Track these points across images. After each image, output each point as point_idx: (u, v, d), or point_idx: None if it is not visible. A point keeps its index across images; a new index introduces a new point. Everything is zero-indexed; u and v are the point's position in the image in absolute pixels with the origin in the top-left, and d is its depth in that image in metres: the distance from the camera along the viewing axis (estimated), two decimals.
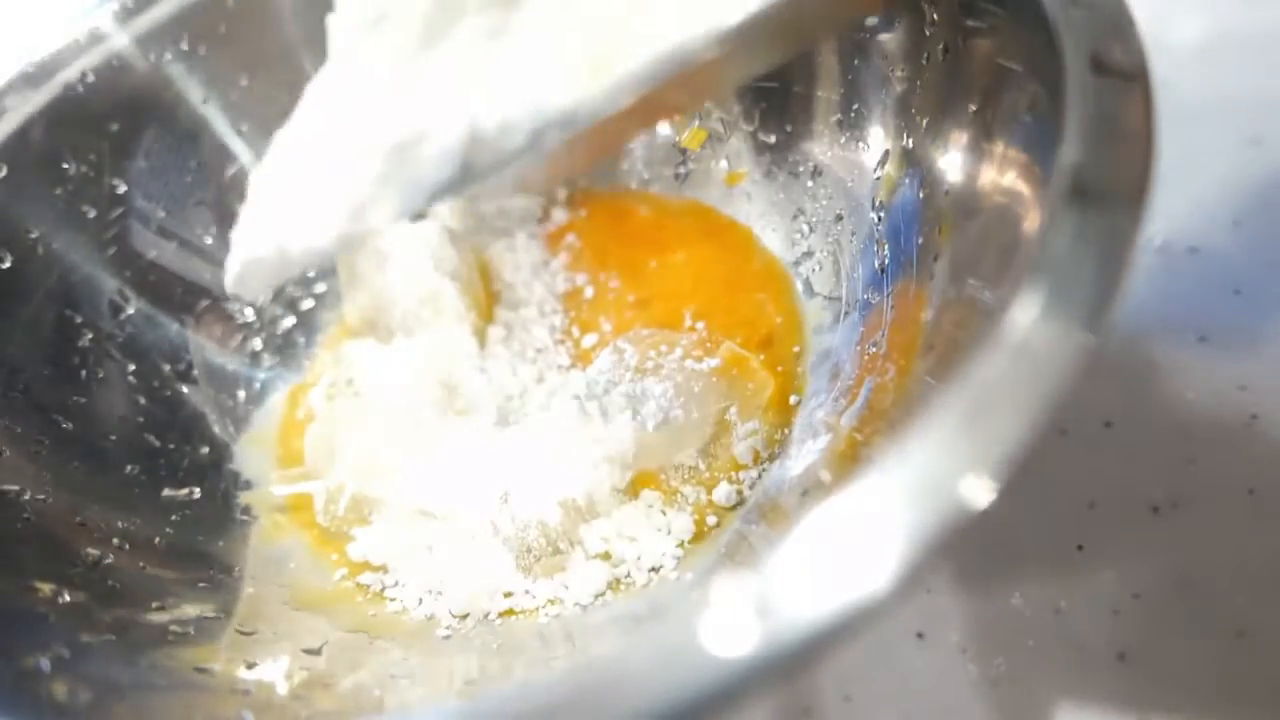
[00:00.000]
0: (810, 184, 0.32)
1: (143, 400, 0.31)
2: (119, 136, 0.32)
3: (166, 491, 0.29)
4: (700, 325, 0.32)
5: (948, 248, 0.24)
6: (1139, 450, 0.26)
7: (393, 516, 0.29)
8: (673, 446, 0.28)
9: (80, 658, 0.22)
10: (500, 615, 0.26)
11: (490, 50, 0.20)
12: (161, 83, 0.33)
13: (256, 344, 0.35)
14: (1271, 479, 0.25)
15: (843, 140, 0.31)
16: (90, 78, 0.31)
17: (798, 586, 0.13)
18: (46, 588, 0.23)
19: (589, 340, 0.33)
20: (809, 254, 0.32)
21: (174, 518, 0.29)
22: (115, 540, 0.26)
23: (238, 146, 0.35)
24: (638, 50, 0.19)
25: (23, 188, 0.30)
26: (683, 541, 0.27)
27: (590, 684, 0.13)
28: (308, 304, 0.36)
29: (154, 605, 0.25)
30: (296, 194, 0.22)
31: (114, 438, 0.29)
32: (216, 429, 0.32)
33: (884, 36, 0.28)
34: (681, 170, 0.36)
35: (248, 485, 0.31)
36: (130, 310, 0.32)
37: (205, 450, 0.31)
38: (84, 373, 0.30)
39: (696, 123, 0.35)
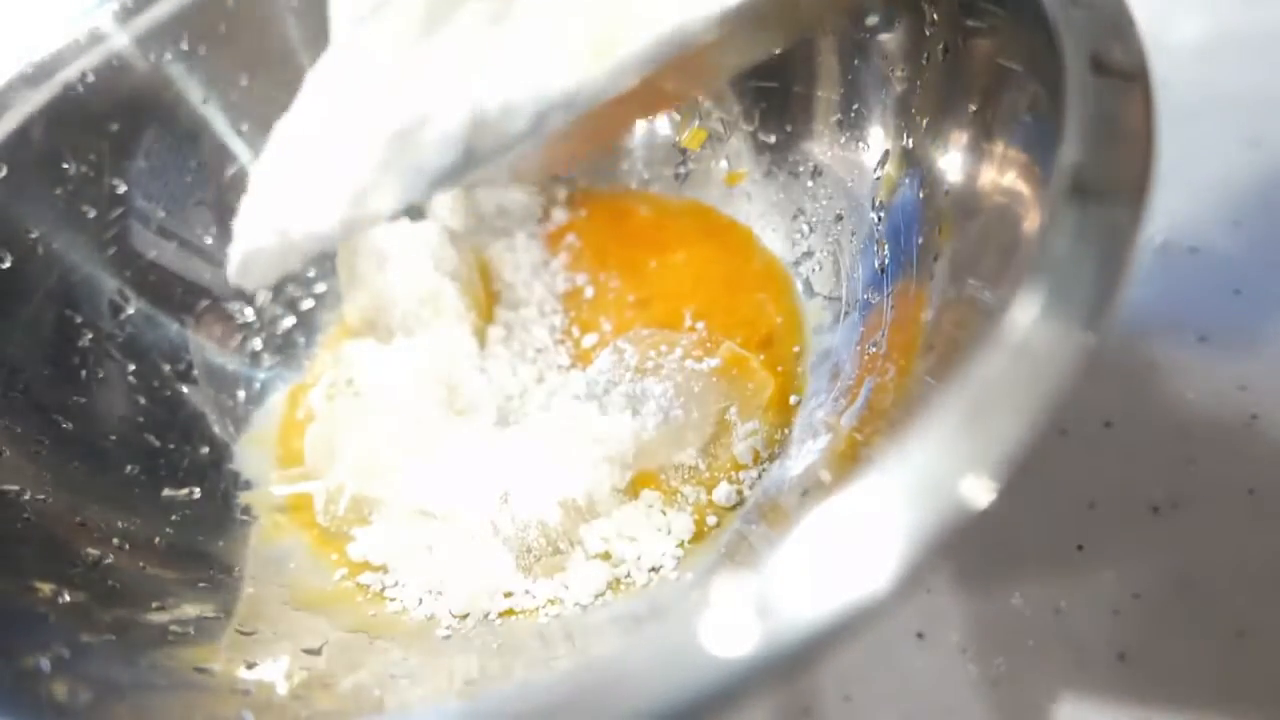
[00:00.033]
0: (810, 184, 0.32)
1: (143, 400, 0.31)
2: (119, 136, 0.32)
3: (166, 491, 0.29)
4: (700, 325, 0.32)
5: (948, 248, 0.24)
6: (1139, 450, 0.26)
7: (393, 516, 0.29)
8: (673, 446, 0.28)
9: (80, 658, 0.22)
10: (500, 615, 0.26)
11: (492, 34, 0.20)
12: (161, 83, 0.33)
13: (256, 344, 0.35)
14: (1271, 479, 0.25)
15: (843, 140, 0.31)
16: (90, 78, 0.31)
17: (798, 586, 0.13)
18: (46, 588, 0.23)
19: (589, 340, 0.33)
20: (809, 254, 0.32)
21: (174, 518, 0.29)
22: (115, 540, 0.26)
23: (238, 146, 0.35)
24: (639, 32, 0.19)
25: (23, 188, 0.30)
26: (683, 541, 0.27)
27: (590, 684, 0.13)
28: (308, 304, 0.36)
29: (154, 605, 0.25)
30: (298, 181, 0.22)
31: (114, 438, 0.29)
32: (216, 429, 0.32)
33: (884, 36, 0.28)
34: (681, 170, 0.36)
35: (248, 485, 0.31)
36: (130, 310, 0.32)
37: (205, 450, 0.31)
38: (84, 373, 0.30)
39: (696, 123, 0.35)
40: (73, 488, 0.27)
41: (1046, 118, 0.19)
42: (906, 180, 0.27)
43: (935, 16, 0.25)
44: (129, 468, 0.29)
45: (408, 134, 0.20)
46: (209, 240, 0.34)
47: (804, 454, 0.27)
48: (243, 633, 0.25)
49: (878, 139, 0.29)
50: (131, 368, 0.31)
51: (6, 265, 0.29)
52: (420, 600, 0.27)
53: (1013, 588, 0.25)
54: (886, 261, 0.28)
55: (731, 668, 0.13)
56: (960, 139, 0.24)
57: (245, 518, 0.30)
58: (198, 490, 0.30)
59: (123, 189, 0.32)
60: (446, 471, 0.29)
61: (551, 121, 0.19)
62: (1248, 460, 0.26)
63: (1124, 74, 0.18)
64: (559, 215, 0.37)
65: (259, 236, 0.22)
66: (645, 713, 0.13)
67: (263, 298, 0.35)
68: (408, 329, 0.33)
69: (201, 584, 0.27)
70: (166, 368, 0.32)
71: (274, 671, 0.24)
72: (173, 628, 0.24)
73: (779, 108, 0.33)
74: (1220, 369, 0.27)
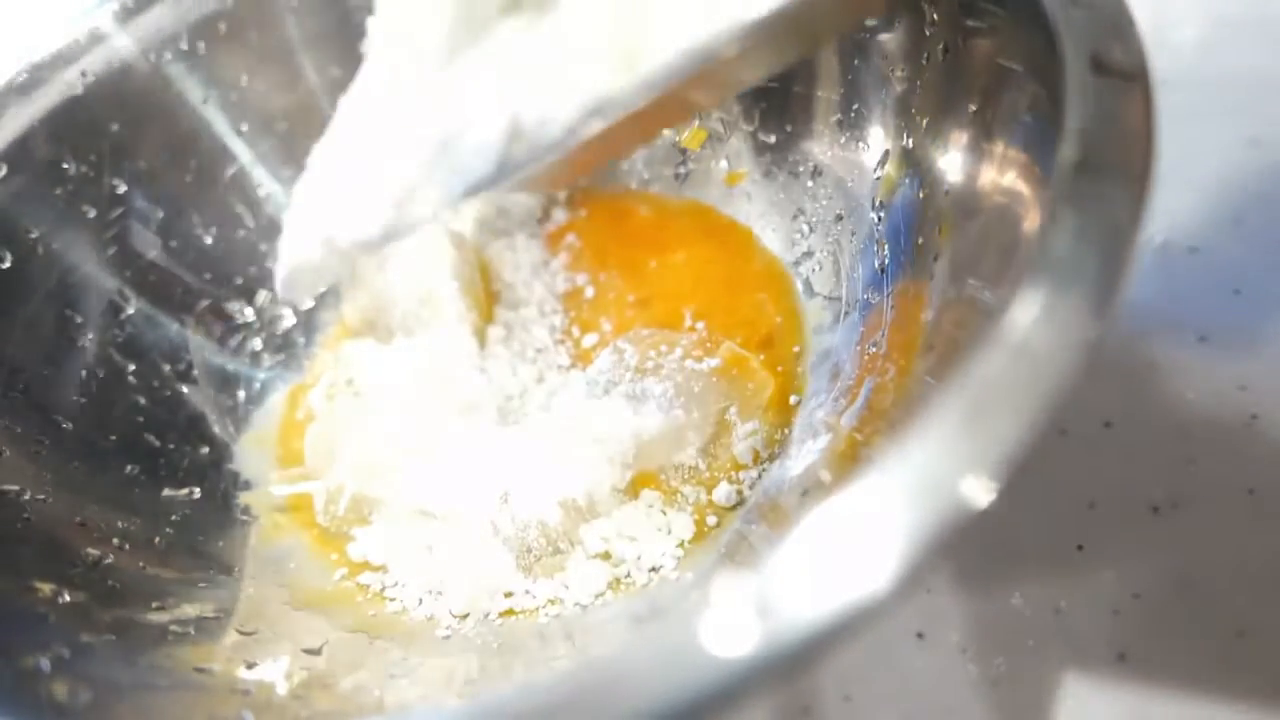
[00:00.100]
0: (810, 184, 0.32)
1: (143, 400, 0.31)
2: (119, 136, 0.32)
3: (166, 491, 0.29)
4: (700, 325, 0.32)
5: (948, 248, 0.24)
6: (1139, 450, 0.26)
7: (393, 516, 0.29)
8: (673, 446, 0.28)
9: (80, 658, 0.22)
10: (500, 615, 0.26)
11: (525, 47, 0.21)
12: (161, 83, 0.33)
13: (256, 344, 0.35)
14: (1271, 479, 0.25)
15: (843, 140, 0.31)
16: (90, 78, 0.31)
17: (798, 586, 0.13)
18: (46, 588, 0.23)
19: (589, 340, 0.33)
20: (809, 254, 0.32)
21: (174, 518, 0.29)
22: (115, 540, 0.26)
23: (238, 146, 0.35)
24: (667, 44, 0.19)
25: (23, 188, 0.30)
26: (683, 541, 0.27)
27: (590, 684, 0.13)
28: (308, 304, 0.36)
29: (154, 605, 0.25)
30: (342, 192, 0.23)
31: (114, 438, 0.29)
32: (216, 429, 0.32)
33: (884, 36, 0.28)
34: (681, 170, 0.36)
35: (248, 485, 0.31)
36: (130, 310, 0.32)
37: (205, 450, 0.31)
38: (84, 373, 0.30)
39: (696, 123, 0.35)
40: (73, 488, 0.27)
41: (1046, 118, 0.19)
42: (906, 180, 0.27)
43: (935, 16, 0.25)
44: (129, 468, 0.29)
45: (449, 142, 0.21)
46: (209, 240, 0.34)
47: (804, 454, 0.27)
48: (243, 633, 0.25)
49: (878, 139, 0.29)
50: (131, 368, 0.31)
51: (6, 265, 0.29)
52: (420, 600, 0.27)
53: (1013, 588, 0.25)
54: (886, 261, 0.28)
55: (731, 668, 0.13)
56: (960, 139, 0.24)
57: (245, 518, 0.30)
58: (198, 490, 0.30)
59: (123, 189, 0.32)
60: (446, 471, 0.29)
61: (584, 131, 0.20)
62: (1248, 460, 0.26)
63: (1124, 74, 0.18)
64: (559, 215, 0.37)
65: (305, 249, 0.23)
66: (645, 713, 0.13)
67: (263, 297, 0.35)
68: (408, 329, 0.33)
69: (201, 584, 0.27)
70: (166, 368, 0.32)
71: (274, 671, 0.24)
72: (173, 628, 0.24)
73: (779, 108, 0.33)
74: (1220, 369, 0.27)
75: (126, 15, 0.32)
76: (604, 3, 0.20)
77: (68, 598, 0.23)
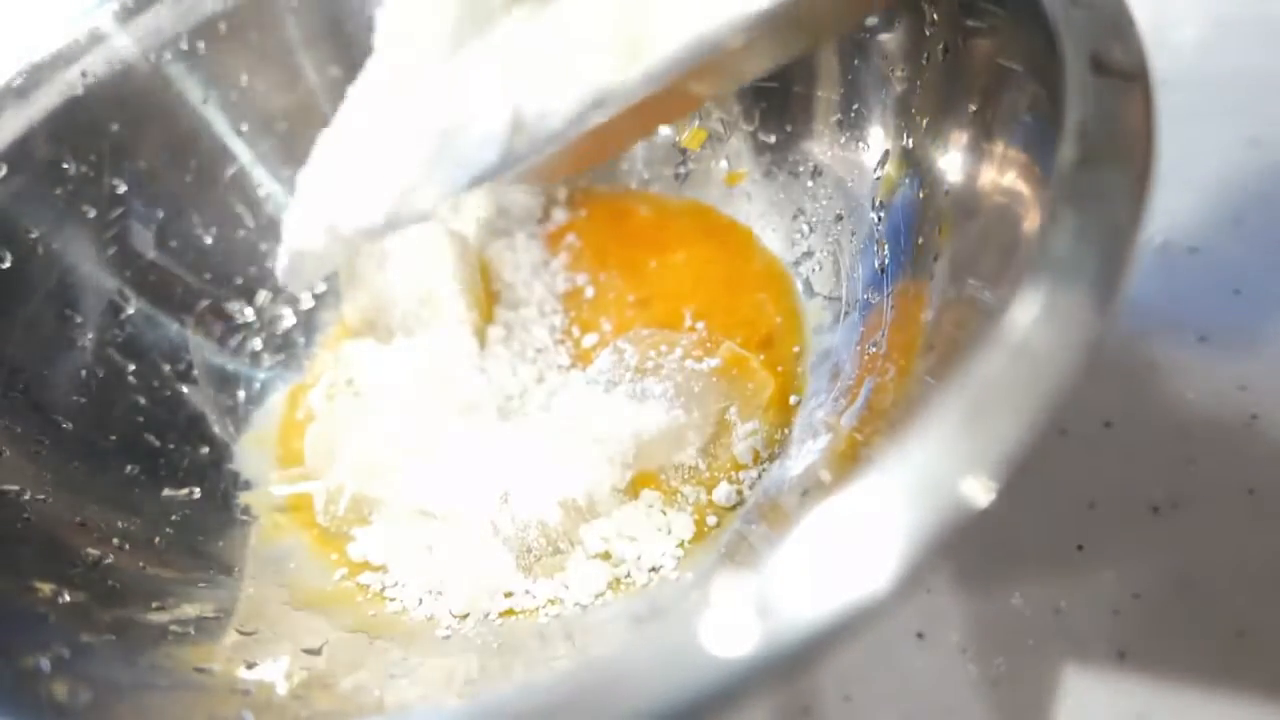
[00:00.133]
0: (810, 184, 0.32)
1: (143, 400, 0.31)
2: (119, 137, 0.32)
3: (166, 491, 0.29)
4: (700, 325, 0.32)
5: (948, 248, 0.24)
6: (1139, 450, 0.26)
7: (393, 516, 0.29)
8: (673, 446, 0.28)
9: (80, 658, 0.22)
10: (500, 615, 0.26)
11: (530, 37, 0.21)
12: (161, 83, 0.33)
13: (256, 344, 0.35)
14: (1271, 479, 0.25)
15: (843, 140, 0.31)
16: (90, 78, 0.31)
17: (798, 586, 0.13)
18: (46, 588, 0.23)
19: (589, 340, 0.33)
20: (809, 254, 0.32)
21: (174, 518, 0.29)
22: (115, 540, 0.26)
23: (238, 146, 0.35)
24: (670, 35, 0.19)
25: (23, 188, 0.30)
26: (683, 541, 0.27)
27: (590, 684, 0.13)
28: (308, 304, 0.36)
29: (154, 605, 0.25)
30: (346, 180, 0.23)
31: (114, 438, 0.29)
32: (216, 429, 0.32)
33: (884, 36, 0.28)
34: (681, 170, 0.36)
35: (248, 485, 0.31)
36: (130, 310, 0.32)
37: (205, 450, 0.31)
38: (84, 373, 0.30)
39: (696, 123, 0.35)
40: (73, 488, 0.27)
41: (1046, 118, 0.19)
42: (906, 180, 0.27)
43: (935, 16, 0.25)
44: (129, 468, 0.29)
45: (453, 133, 0.21)
46: (209, 240, 0.34)
47: (804, 454, 0.27)
48: (243, 633, 0.25)
49: (878, 139, 0.29)
50: (131, 368, 0.31)
51: (6, 265, 0.29)
52: (420, 600, 0.27)
53: (1013, 588, 0.25)
54: (886, 261, 0.28)
55: (731, 668, 0.13)
56: (960, 139, 0.24)
57: (245, 518, 0.30)
58: (198, 490, 0.30)
59: (123, 189, 0.32)
60: (446, 471, 0.29)
61: (586, 122, 0.20)
62: (1248, 460, 0.26)
63: (1124, 74, 0.18)
64: (559, 215, 0.37)
65: (307, 237, 0.23)
66: (645, 713, 0.13)
67: (263, 297, 0.35)
68: (408, 329, 0.33)
69: (201, 584, 0.27)
70: (166, 368, 0.32)
71: (274, 671, 0.24)
72: (173, 628, 0.24)
73: (779, 108, 0.33)
74: (1220, 369, 0.27)
75: (126, 15, 0.32)
76: None
77: (68, 598, 0.23)
